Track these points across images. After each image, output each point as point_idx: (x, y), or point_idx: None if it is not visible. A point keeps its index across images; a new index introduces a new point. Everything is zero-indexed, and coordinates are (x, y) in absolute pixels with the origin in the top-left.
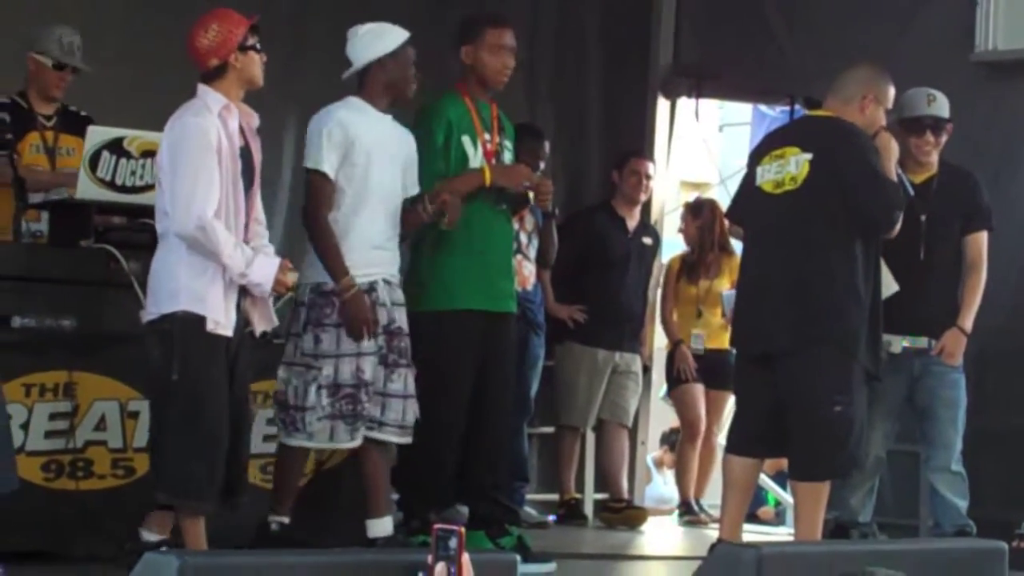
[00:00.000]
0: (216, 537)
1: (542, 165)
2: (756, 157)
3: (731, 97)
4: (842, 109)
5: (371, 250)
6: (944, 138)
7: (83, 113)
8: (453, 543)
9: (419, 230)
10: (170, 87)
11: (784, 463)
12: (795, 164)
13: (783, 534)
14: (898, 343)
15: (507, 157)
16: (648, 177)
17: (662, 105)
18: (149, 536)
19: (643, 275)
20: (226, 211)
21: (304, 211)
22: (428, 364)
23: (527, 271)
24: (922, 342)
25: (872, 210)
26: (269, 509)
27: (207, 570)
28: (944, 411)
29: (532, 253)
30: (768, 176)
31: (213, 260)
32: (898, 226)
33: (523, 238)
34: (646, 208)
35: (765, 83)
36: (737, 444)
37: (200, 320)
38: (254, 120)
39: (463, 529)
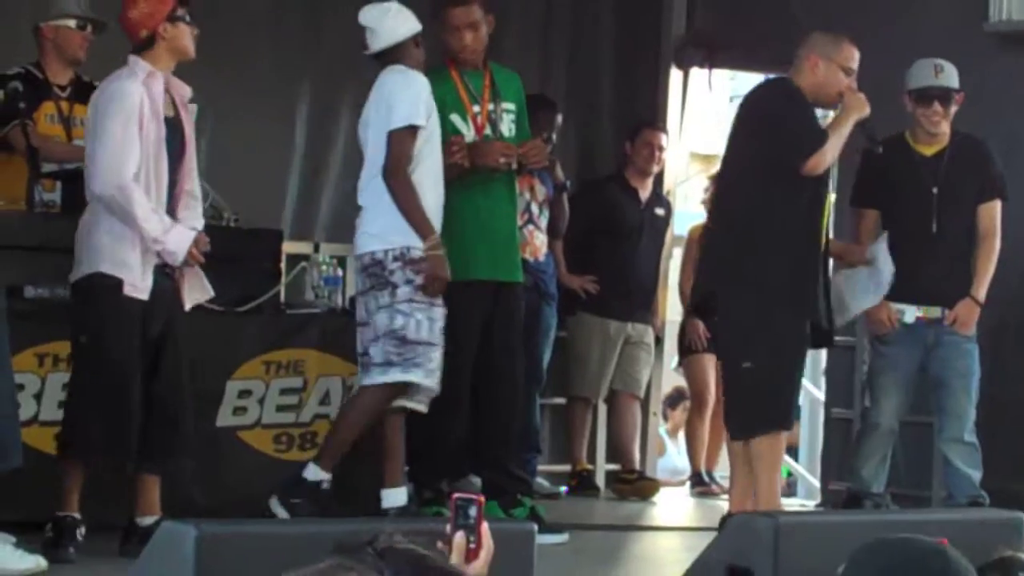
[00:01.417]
0: (221, 509)
1: (554, 136)
2: None
3: (745, 67)
4: (794, 73)
5: (437, 212)
6: (953, 108)
7: (97, 83)
8: (473, 512)
9: None
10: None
11: (794, 435)
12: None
13: (795, 504)
14: (911, 313)
15: (507, 121)
16: (661, 148)
17: (675, 76)
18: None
19: (655, 246)
20: (146, 177)
21: (386, 170)
22: None
23: (538, 241)
24: (935, 312)
25: (774, 153)
26: (314, 462)
27: (225, 539)
28: (957, 381)
29: (543, 223)
30: None
31: (130, 224)
32: (815, 170)
33: (534, 209)
34: (658, 179)
35: (779, 53)
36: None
37: (117, 283)
38: (186, 92)
39: (483, 499)
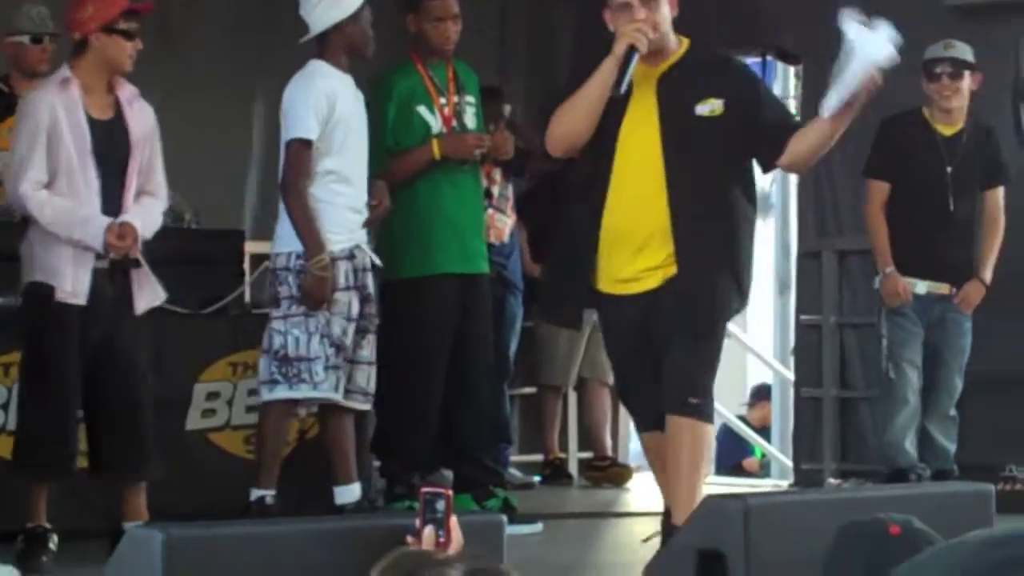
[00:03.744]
0: (197, 513)
1: (502, 127)
2: None
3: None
4: None
5: (353, 215)
6: (966, 84)
7: None
8: (441, 506)
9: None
10: (148, 56)
11: (768, 414)
12: None
13: (768, 486)
14: (923, 286)
15: (470, 114)
16: None
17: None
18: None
19: None
20: (69, 182)
21: (282, 182)
22: (407, 330)
23: (500, 223)
24: (943, 288)
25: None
26: (254, 482)
27: (193, 542)
28: (955, 359)
29: (506, 205)
30: None
31: (52, 230)
32: (549, 144)
33: (494, 191)
34: None
35: (736, 34)
36: None
37: (50, 291)
38: (128, 92)
39: (451, 492)
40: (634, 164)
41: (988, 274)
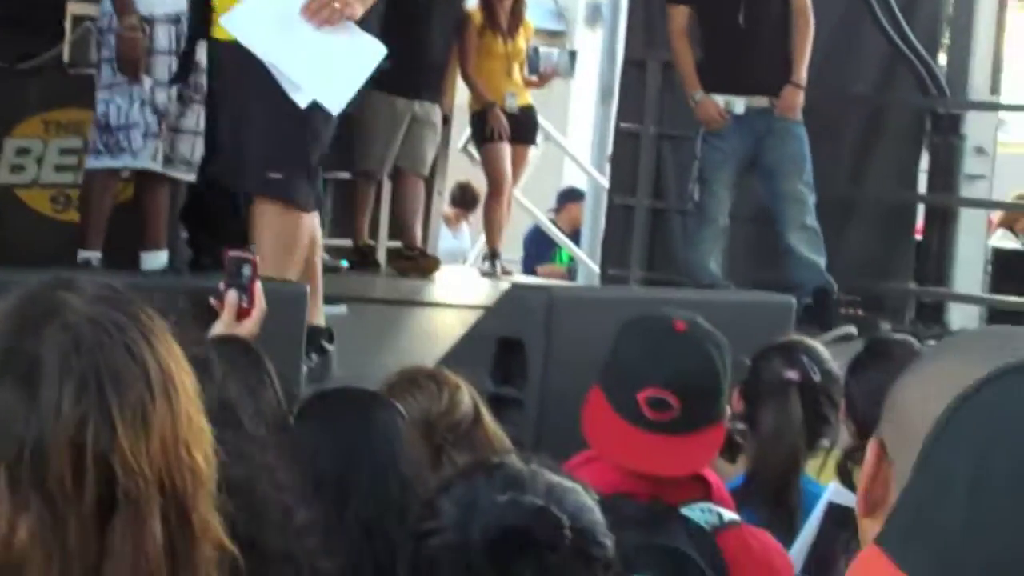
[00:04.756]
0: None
1: None
2: None
3: None
4: None
5: None
6: None
7: None
8: (247, 271)
9: None
10: None
11: (575, 217)
12: None
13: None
14: (740, 104)
15: None
16: None
17: None
18: None
19: (447, 24)
20: None
21: None
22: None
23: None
24: (763, 102)
25: None
26: (78, 245)
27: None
28: (790, 165)
29: None
30: None
31: None
32: None
33: None
34: None
35: None
36: None
37: None
38: None
39: (257, 258)
40: None
41: (802, 74)
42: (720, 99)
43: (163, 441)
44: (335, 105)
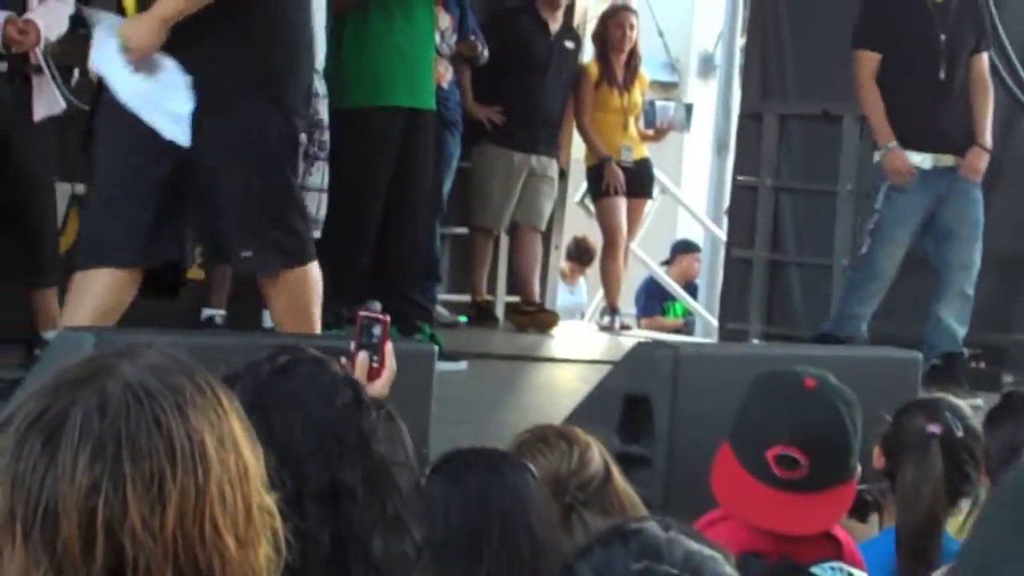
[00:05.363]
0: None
1: None
2: None
3: None
4: None
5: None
6: None
7: None
8: (377, 331)
9: (339, 20)
10: None
11: (687, 269)
12: None
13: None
14: (928, 161)
15: None
16: None
17: None
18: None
19: (563, 79)
20: None
21: None
22: (351, 160)
23: (442, 68)
24: (948, 160)
25: None
26: (207, 302)
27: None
28: (968, 231)
29: (446, 51)
30: None
31: None
32: None
33: (436, 36)
34: (568, 11)
35: None
36: None
37: None
38: None
39: (388, 317)
40: None
41: (988, 138)
42: (910, 155)
43: (182, 516)
44: (182, 138)
